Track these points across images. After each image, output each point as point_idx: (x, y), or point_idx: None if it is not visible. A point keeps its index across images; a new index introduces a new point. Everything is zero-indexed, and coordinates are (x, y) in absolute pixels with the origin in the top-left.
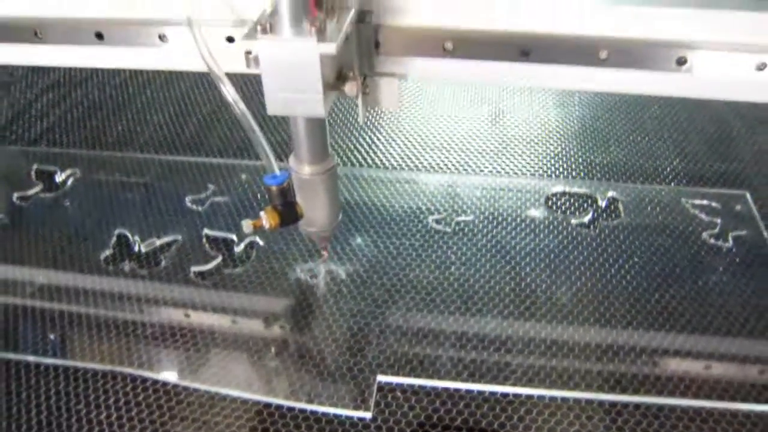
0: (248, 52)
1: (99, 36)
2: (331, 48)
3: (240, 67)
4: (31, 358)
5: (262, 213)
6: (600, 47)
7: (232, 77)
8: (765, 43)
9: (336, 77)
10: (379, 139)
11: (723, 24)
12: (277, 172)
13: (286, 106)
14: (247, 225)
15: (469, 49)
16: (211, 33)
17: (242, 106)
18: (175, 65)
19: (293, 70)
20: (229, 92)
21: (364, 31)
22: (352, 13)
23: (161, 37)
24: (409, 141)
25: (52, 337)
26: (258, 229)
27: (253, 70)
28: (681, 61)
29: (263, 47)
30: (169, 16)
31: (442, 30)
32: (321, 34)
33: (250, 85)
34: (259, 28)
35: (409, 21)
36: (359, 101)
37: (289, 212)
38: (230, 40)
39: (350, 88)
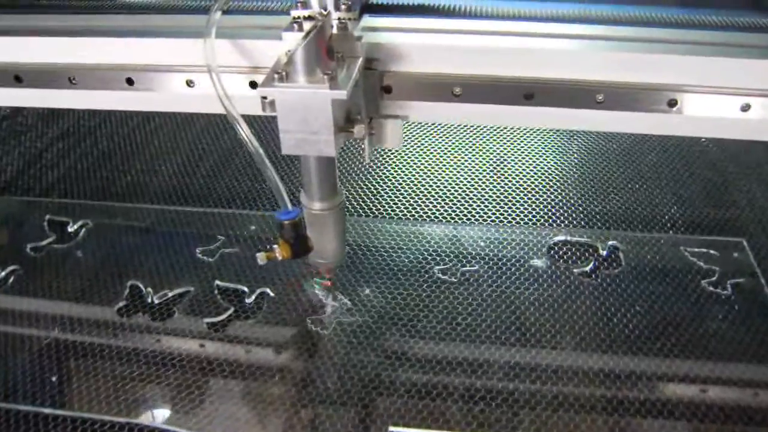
0: (264, 97)
1: (129, 81)
2: (342, 95)
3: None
4: (46, 411)
5: (275, 246)
6: (597, 91)
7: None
8: (748, 86)
9: (345, 120)
10: (385, 191)
11: (710, 69)
12: (290, 207)
13: (300, 146)
14: (261, 257)
15: (476, 93)
16: (228, 79)
17: (257, 145)
18: (200, 108)
19: (307, 114)
20: (245, 133)
21: (370, 77)
22: (360, 61)
23: (189, 83)
24: (414, 191)
25: (67, 388)
26: (271, 261)
27: (268, 113)
28: (672, 103)
29: (280, 93)
30: (195, 63)
31: (446, 76)
32: (333, 82)
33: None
34: (275, 76)
35: (412, 68)
36: (366, 142)
37: (300, 245)
38: (253, 85)
39: (359, 130)
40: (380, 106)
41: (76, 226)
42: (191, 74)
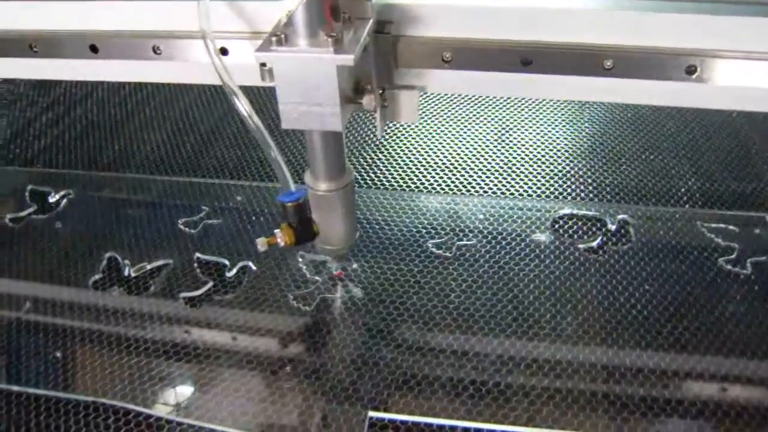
0: (263, 65)
1: (93, 49)
2: (348, 59)
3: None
4: (14, 388)
5: (277, 231)
6: (605, 56)
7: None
8: None
9: (353, 90)
10: (379, 159)
11: (735, 31)
12: (293, 188)
13: (302, 120)
14: (262, 243)
15: (467, 59)
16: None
17: (257, 120)
18: (169, 78)
19: (309, 83)
20: (244, 106)
21: (382, 42)
22: (370, 23)
23: (155, 50)
24: (410, 160)
25: (36, 366)
26: (272, 247)
27: (267, 83)
28: (691, 70)
29: (278, 59)
30: (164, 27)
31: (435, 40)
32: (338, 45)
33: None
34: (273, 39)
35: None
36: (377, 115)
37: (304, 230)
38: (224, 51)
39: (368, 101)
40: (394, 75)
41: (57, 196)
42: (158, 40)
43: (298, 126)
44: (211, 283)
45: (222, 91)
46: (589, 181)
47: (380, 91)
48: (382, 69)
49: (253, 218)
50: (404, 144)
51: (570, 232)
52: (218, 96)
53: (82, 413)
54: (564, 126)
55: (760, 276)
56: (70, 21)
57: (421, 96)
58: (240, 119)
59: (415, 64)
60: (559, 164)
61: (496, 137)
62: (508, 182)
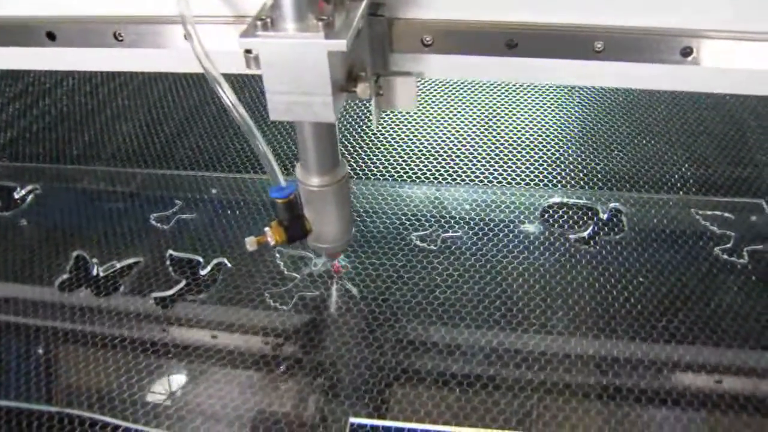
0: (248, 51)
1: (51, 36)
2: (341, 45)
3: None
4: None
5: (266, 229)
6: (595, 37)
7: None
8: None
9: (346, 77)
10: (360, 147)
11: (732, 10)
12: (283, 183)
13: (291, 110)
14: (251, 242)
15: (449, 42)
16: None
17: (242, 111)
18: (131, 66)
19: (299, 70)
20: (228, 96)
21: (376, 25)
22: (363, 5)
23: (117, 36)
24: (393, 148)
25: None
26: (261, 245)
27: (253, 71)
28: (686, 52)
29: (265, 45)
30: (126, 12)
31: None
32: (329, 29)
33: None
34: (258, 23)
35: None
36: (372, 104)
37: (296, 227)
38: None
39: (363, 89)
40: (389, 60)
41: (23, 192)
42: (119, 26)
43: (287, 117)
44: (183, 282)
45: (196, 79)
46: (580, 168)
47: (375, 79)
48: (376, 54)
49: (229, 212)
50: (386, 132)
51: (560, 221)
52: (193, 84)
53: (46, 425)
54: (553, 111)
55: (757, 265)
56: (24, 5)
57: None
58: (216, 108)
59: (411, 48)
60: (548, 151)
61: (482, 123)
62: (495, 170)
